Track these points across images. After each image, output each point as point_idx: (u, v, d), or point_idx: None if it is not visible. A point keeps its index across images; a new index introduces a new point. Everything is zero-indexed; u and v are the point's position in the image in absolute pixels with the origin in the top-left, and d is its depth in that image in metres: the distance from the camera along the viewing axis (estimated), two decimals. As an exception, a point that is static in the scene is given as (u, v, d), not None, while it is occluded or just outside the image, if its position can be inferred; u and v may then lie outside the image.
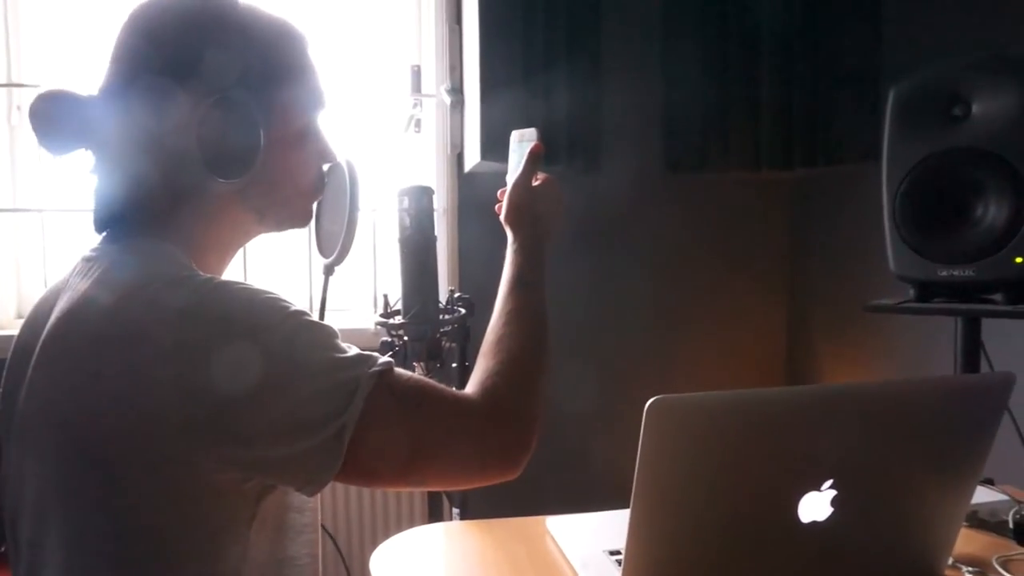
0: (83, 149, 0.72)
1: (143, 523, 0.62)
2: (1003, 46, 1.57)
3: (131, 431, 0.60)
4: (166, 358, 0.59)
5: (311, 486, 0.63)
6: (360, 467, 0.63)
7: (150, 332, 0.60)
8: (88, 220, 0.75)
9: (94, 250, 0.72)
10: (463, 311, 1.22)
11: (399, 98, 2.10)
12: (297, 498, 0.74)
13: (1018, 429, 1.25)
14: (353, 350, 0.65)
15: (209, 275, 0.66)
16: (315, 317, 0.66)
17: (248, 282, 0.67)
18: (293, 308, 0.65)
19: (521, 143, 0.95)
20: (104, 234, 0.74)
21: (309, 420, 0.61)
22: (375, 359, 0.65)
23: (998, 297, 1.21)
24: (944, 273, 1.23)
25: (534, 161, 0.92)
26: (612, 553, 0.94)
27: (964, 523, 0.97)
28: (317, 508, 0.79)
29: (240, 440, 0.60)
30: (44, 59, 1.95)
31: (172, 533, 0.63)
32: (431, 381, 0.69)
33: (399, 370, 0.67)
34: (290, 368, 0.61)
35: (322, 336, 0.64)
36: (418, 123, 2.11)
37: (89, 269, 0.69)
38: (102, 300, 0.64)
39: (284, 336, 0.62)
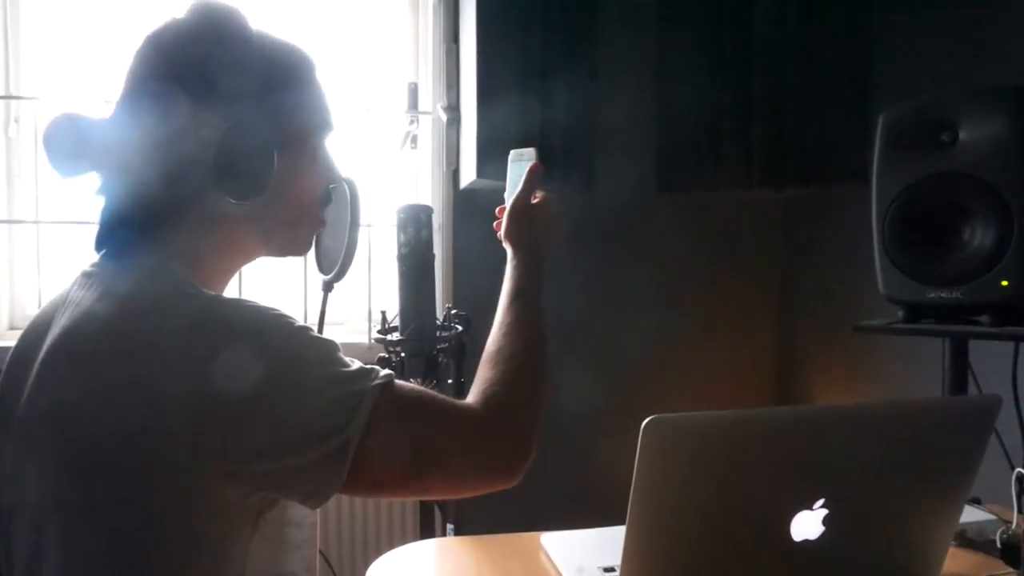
0: (92, 171, 0.72)
1: (143, 536, 0.63)
2: (991, 74, 1.61)
3: (136, 445, 0.61)
4: (173, 372, 0.60)
5: (315, 499, 0.65)
6: (365, 478, 0.65)
7: (158, 346, 0.61)
8: (83, 232, 0.75)
9: (94, 265, 0.73)
10: (460, 328, 1.24)
11: (396, 115, 2.12)
12: (297, 513, 0.75)
13: (1005, 450, 1.27)
14: (356, 364, 0.67)
15: (214, 294, 0.67)
16: (318, 333, 0.67)
17: (251, 299, 0.68)
18: (298, 324, 0.66)
19: (519, 162, 0.97)
20: (104, 251, 0.74)
21: (314, 433, 0.62)
22: (377, 372, 0.66)
23: (985, 319, 1.23)
24: (932, 295, 1.25)
25: (533, 179, 0.94)
26: (607, 570, 0.94)
27: (952, 542, 0.98)
28: (316, 524, 0.80)
29: (246, 453, 0.61)
30: (42, 71, 1.96)
31: (172, 546, 0.63)
32: (432, 392, 0.71)
33: (400, 382, 0.68)
34: (296, 382, 0.62)
35: (326, 351, 0.66)
36: (414, 140, 2.13)
37: (91, 284, 0.70)
38: (108, 314, 0.65)
39: (290, 351, 0.63)
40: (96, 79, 1.94)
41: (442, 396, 0.71)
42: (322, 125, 0.79)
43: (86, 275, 0.72)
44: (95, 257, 0.74)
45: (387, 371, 0.67)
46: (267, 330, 0.64)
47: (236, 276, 0.81)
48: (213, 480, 0.62)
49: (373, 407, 0.63)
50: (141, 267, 0.69)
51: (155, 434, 0.60)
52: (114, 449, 0.61)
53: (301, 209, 0.79)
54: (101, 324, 0.65)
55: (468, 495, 0.72)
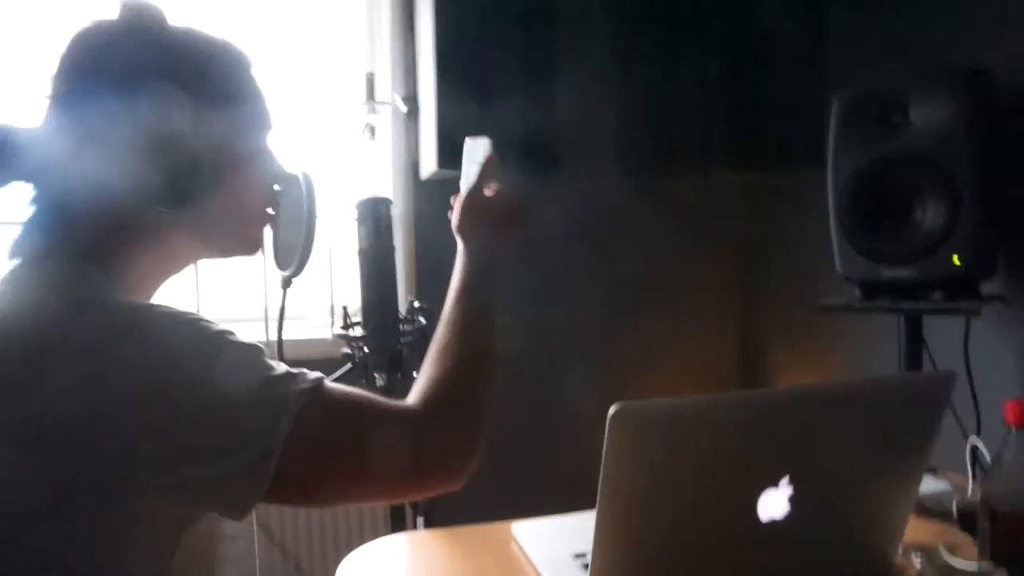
0: (21, 182, 0.69)
1: (56, 556, 0.59)
2: (940, 58, 1.65)
3: (44, 460, 0.57)
4: (82, 384, 0.57)
5: (237, 510, 0.62)
6: (293, 487, 0.62)
7: (67, 357, 0.58)
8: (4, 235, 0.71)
9: (10, 272, 0.69)
10: (423, 320, 1.23)
11: (353, 106, 2.09)
12: (231, 526, 0.72)
13: (959, 420, 1.31)
14: (281, 368, 0.63)
15: (126, 300, 0.65)
16: (240, 337, 0.64)
17: (168, 305, 0.64)
18: (215, 328, 0.63)
19: (474, 151, 0.95)
20: (18, 258, 0.69)
21: (234, 441, 0.59)
22: (304, 375, 0.64)
23: (938, 295, 1.27)
24: (887, 273, 1.29)
25: (487, 171, 0.92)
26: (578, 556, 0.95)
27: (912, 512, 1.01)
28: (253, 536, 0.77)
29: (161, 465, 0.58)
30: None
31: (88, 567, 0.60)
32: (367, 393, 0.68)
33: (332, 384, 0.65)
34: (212, 390, 0.59)
35: (247, 355, 0.63)
36: (372, 131, 2.10)
37: (1, 294, 0.66)
38: (13, 325, 0.62)
39: (205, 358, 0.60)
40: (24, 79, 1.86)
41: (378, 397, 0.68)
42: (260, 125, 0.76)
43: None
44: (10, 264, 0.70)
45: (316, 374, 0.64)
46: (178, 338, 0.61)
47: (192, 272, 0.78)
48: (127, 494, 0.58)
49: (299, 411, 0.60)
50: (52, 274, 0.66)
51: (63, 447, 0.57)
52: (21, 465, 0.58)
53: (243, 211, 0.76)
54: (5, 335, 0.61)
55: (409, 499, 0.69)
